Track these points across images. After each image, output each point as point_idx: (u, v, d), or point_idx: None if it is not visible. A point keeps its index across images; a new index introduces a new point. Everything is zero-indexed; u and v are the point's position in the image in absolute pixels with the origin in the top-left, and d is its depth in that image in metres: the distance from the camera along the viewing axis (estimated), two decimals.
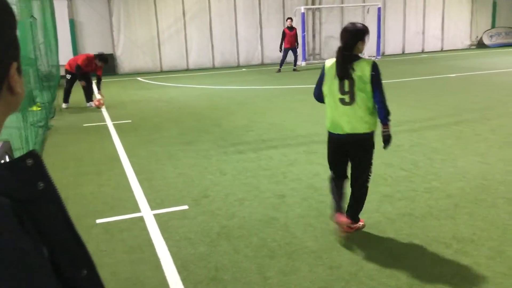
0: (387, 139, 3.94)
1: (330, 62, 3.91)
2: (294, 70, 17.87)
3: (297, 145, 7.21)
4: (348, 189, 4.14)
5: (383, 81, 3.90)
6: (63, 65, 12.72)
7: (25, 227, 0.68)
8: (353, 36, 3.79)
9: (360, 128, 3.82)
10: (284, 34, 17.48)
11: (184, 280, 3.49)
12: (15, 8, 5.74)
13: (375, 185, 5.28)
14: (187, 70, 20.56)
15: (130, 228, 4.44)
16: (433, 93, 11.53)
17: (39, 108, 9.62)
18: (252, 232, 4.25)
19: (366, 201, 4.21)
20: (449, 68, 16.56)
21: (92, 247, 3.98)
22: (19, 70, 0.79)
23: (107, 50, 18.23)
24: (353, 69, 3.73)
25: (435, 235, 4.02)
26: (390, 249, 3.81)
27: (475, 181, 5.29)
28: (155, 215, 4.72)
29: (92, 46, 17.91)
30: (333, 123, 3.89)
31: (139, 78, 17.76)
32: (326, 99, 3.92)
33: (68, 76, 11.39)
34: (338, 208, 3.99)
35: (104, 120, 9.83)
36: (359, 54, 3.83)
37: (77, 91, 11.76)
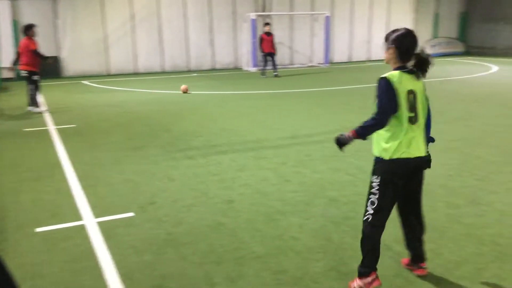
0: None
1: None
2: (276, 76, 17.67)
3: (246, 150, 7.22)
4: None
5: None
6: (3, 68, 12.17)
7: None
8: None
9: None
10: (261, 39, 17.48)
11: None
12: None
13: (322, 190, 5.38)
14: (136, 73, 20.20)
15: (72, 237, 4.29)
16: None
17: None
18: (199, 238, 4.22)
19: (312, 205, 4.24)
20: None
21: (31, 257, 3.81)
22: None
23: (51, 52, 17.64)
24: None
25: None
26: (335, 252, 3.88)
27: None
28: (99, 223, 4.58)
29: None
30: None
31: (85, 82, 17.27)
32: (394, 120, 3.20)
33: (36, 77, 10.82)
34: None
35: (46, 125, 9.47)
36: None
37: (20, 94, 11.27)
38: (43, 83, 11.81)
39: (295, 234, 4.26)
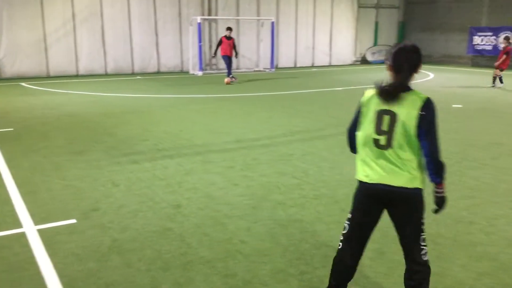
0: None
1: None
2: (233, 78, 17.49)
3: (193, 155, 7.17)
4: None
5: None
6: None
7: None
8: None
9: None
10: (220, 41, 17.26)
11: None
12: None
13: (269, 193, 5.43)
14: (77, 76, 19.56)
15: (10, 245, 4.09)
16: (322, 105, 12.18)
17: None
18: (145, 244, 4.14)
19: (260, 209, 4.27)
20: (337, 82, 17.60)
21: None
22: None
23: None
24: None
25: (323, 239, 4.22)
26: (283, 254, 3.92)
27: None
28: (39, 231, 4.39)
29: None
30: None
31: (23, 84, 16.51)
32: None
33: None
34: None
35: None
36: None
37: None
38: None
39: (243, 237, 4.27)
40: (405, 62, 2.81)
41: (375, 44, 28.24)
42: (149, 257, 3.89)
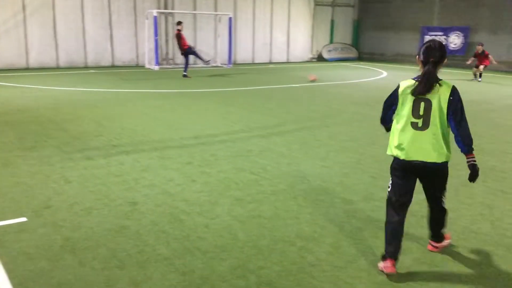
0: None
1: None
2: (184, 76, 17.19)
3: (150, 151, 7.06)
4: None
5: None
6: None
7: None
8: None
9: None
10: (180, 36, 16.76)
11: None
12: None
13: (227, 189, 5.42)
14: (27, 69, 18.83)
15: None
16: (280, 101, 12.26)
17: None
18: (100, 243, 4.04)
19: (218, 205, 4.24)
20: (294, 79, 17.77)
21: None
22: None
23: None
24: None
25: (281, 234, 4.26)
26: (241, 250, 3.93)
27: (316, 183, 5.74)
28: None
29: None
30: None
31: None
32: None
33: None
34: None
35: None
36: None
37: None
38: None
39: (201, 234, 4.24)
40: (433, 55, 3.41)
41: (331, 41, 28.67)
42: (104, 256, 3.80)
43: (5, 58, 18.45)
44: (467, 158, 3.51)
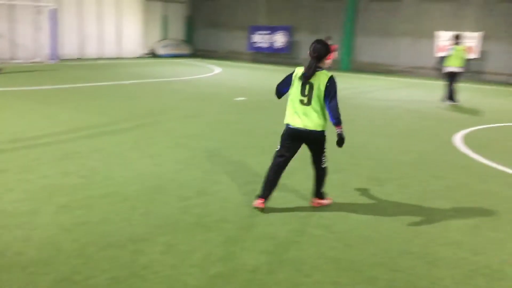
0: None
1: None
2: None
3: None
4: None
5: None
6: None
7: None
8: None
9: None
10: None
11: None
12: None
13: (51, 196, 4.98)
14: None
15: None
16: (111, 99, 11.74)
17: None
18: None
19: (40, 214, 3.86)
20: (125, 75, 17.19)
21: None
22: None
23: None
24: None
25: (112, 239, 4.05)
26: (66, 261, 3.63)
27: (150, 182, 5.61)
28: None
29: None
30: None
31: None
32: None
33: None
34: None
35: None
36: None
37: None
38: None
39: (20, 248, 3.82)
40: (317, 51, 4.53)
41: (164, 37, 28.45)
42: None
43: None
44: (336, 129, 4.63)
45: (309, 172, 5.17)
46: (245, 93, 13.90)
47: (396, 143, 8.25)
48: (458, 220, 4.84)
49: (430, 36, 21.27)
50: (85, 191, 5.21)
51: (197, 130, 8.66)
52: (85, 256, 3.74)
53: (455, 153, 7.65)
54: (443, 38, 20.45)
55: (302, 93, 4.58)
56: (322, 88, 4.53)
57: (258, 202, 4.81)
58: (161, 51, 27.67)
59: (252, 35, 26.68)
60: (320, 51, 4.53)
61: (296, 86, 4.63)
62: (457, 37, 12.57)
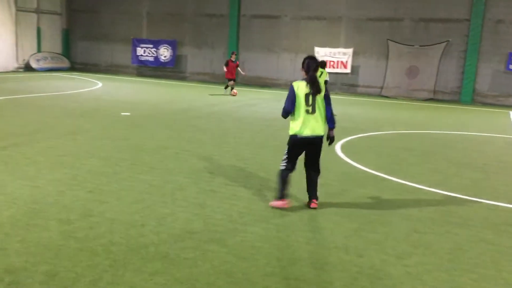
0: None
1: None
2: None
3: None
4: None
5: None
6: None
7: None
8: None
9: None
10: None
11: None
12: None
13: None
14: None
15: None
16: None
17: None
18: None
19: None
20: None
21: None
22: None
23: None
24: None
25: None
26: None
27: (26, 206, 5.15)
28: None
29: None
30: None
31: None
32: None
33: None
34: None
35: None
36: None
37: None
38: None
39: None
40: (314, 67, 5.29)
41: (39, 50, 26.62)
42: None
43: None
44: (331, 132, 5.50)
45: (200, 188, 5.11)
46: (130, 107, 13.47)
47: (281, 154, 8.53)
48: (342, 225, 5.12)
49: (309, 52, 22.53)
50: None
51: (79, 148, 8.17)
52: None
53: (337, 161, 8.13)
54: (321, 54, 21.78)
55: (307, 104, 5.20)
56: (322, 96, 5.29)
57: (282, 203, 5.41)
58: (36, 64, 25.82)
59: (136, 48, 26.03)
60: (315, 65, 5.25)
61: (301, 100, 5.22)
62: (321, 64, 13.76)
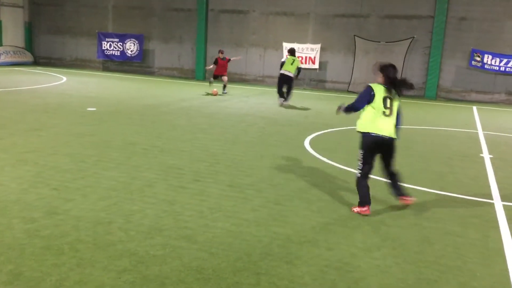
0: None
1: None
2: None
3: None
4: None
5: None
6: None
7: None
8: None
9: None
10: None
11: None
12: None
13: None
14: None
15: None
16: None
17: None
18: None
19: None
20: None
21: None
22: None
23: None
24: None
25: None
26: None
27: None
28: None
29: None
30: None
31: None
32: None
33: None
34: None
35: None
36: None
37: None
38: None
39: None
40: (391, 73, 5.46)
41: (0, 44, 25.74)
42: None
43: None
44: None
45: (169, 184, 5.02)
46: (96, 103, 13.18)
47: (251, 149, 8.52)
48: (312, 219, 5.15)
49: (277, 47, 22.56)
50: None
51: (43, 144, 7.94)
52: None
53: (306, 156, 8.17)
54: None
55: (385, 106, 5.35)
56: (398, 103, 5.50)
57: (365, 210, 5.41)
58: None
59: (102, 42, 25.47)
60: (393, 70, 5.44)
61: (379, 101, 5.35)
62: (290, 51, 15.44)
